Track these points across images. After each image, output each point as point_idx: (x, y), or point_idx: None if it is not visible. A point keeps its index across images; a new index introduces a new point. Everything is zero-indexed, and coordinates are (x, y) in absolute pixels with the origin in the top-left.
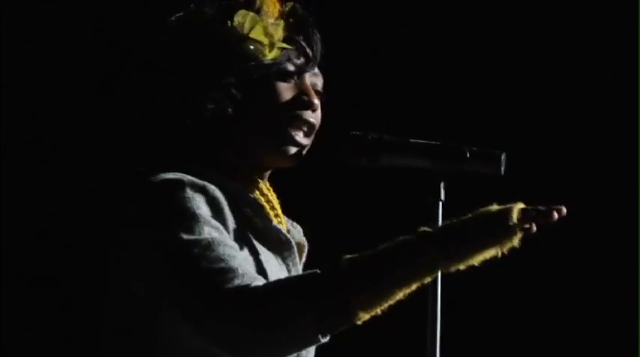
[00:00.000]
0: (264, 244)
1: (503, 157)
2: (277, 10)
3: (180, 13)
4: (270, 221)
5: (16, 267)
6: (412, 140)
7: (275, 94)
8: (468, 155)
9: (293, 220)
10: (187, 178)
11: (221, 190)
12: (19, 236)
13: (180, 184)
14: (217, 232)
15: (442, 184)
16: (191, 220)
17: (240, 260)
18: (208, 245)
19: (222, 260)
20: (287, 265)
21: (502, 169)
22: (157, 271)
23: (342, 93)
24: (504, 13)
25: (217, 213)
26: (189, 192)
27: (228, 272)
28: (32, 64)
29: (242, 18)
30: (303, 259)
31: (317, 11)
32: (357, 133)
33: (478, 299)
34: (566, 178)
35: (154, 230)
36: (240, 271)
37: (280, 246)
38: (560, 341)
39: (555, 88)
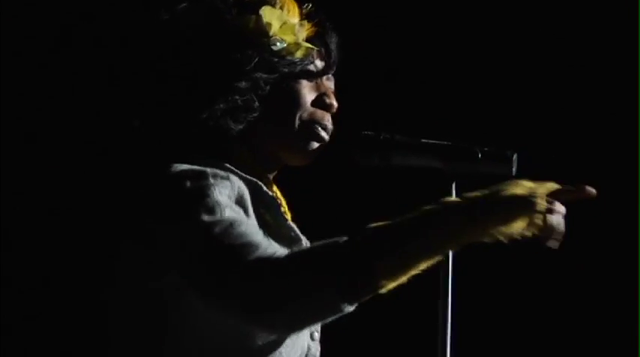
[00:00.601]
0: (276, 239)
1: (514, 157)
2: (297, 10)
3: (203, 5)
4: (285, 219)
5: (15, 266)
6: (424, 140)
7: (299, 92)
8: (480, 156)
9: (305, 219)
10: (210, 169)
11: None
12: (19, 233)
13: (203, 174)
14: (239, 216)
15: (454, 185)
16: (213, 204)
17: (263, 236)
18: (230, 225)
19: (245, 236)
20: None
21: (514, 169)
22: (182, 254)
23: (354, 93)
24: (512, 12)
25: (240, 202)
26: (212, 180)
27: (251, 246)
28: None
29: (269, 15)
30: None
31: (328, 10)
32: (369, 132)
33: (482, 299)
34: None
35: (176, 217)
36: (263, 245)
37: (290, 244)
38: (561, 341)
39: (562, 89)
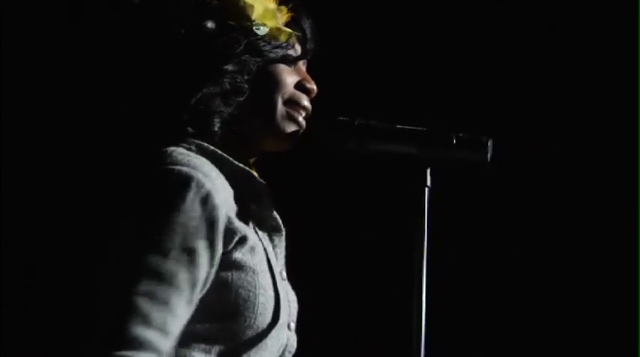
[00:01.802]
0: (260, 228)
1: (489, 143)
2: None
3: None
4: (270, 208)
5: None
6: (399, 126)
7: (281, 77)
8: (455, 141)
9: (282, 205)
10: (199, 176)
11: (226, 170)
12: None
13: (186, 186)
14: (183, 262)
15: (428, 170)
16: (167, 237)
17: (171, 309)
18: (158, 277)
19: (152, 302)
20: (276, 253)
21: (488, 155)
22: (107, 267)
23: (329, 79)
24: (499, 4)
25: (209, 227)
26: (189, 200)
27: (144, 319)
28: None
29: (253, 0)
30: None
31: None
32: (344, 118)
33: (474, 301)
34: (555, 164)
35: (131, 230)
36: (144, 340)
37: (272, 232)
38: (560, 341)
39: (546, 79)
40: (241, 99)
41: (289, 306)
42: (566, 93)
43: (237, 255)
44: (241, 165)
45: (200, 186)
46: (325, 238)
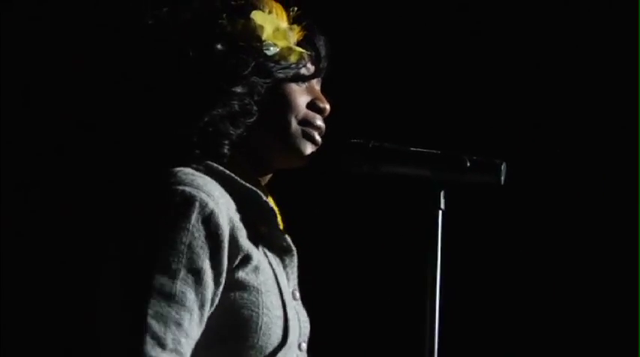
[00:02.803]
0: (267, 250)
1: (503, 166)
2: (285, 14)
3: (191, 11)
4: (279, 229)
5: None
6: (413, 149)
7: (293, 96)
8: (469, 164)
9: (291, 225)
10: (202, 196)
11: (232, 189)
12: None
13: (190, 206)
14: (191, 283)
15: (442, 193)
16: (174, 258)
17: (184, 330)
18: (168, 297)
19: (165, 324)
20: (287, 273)
21: (502, 178)
22: (112, 288)
23: (343, 100)
24: (504, 18)
25: (214, 247)
26: (193, 219)
27: (158, 341)
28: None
29: (261, 19)
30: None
31: (314, 13)
32: (358, 140)
33: (477, 300)
34: (566, 186)
35: (136, 251)
36: (169, 347)
37: (282, 252)
38: (560, 341)
39: (555, 97)
40: (250, 121)
41: (300, 326)
42: (578, 116)
43: (241, 274)
44: (248, 185)
45: (203, 205)
46: (338, 261)
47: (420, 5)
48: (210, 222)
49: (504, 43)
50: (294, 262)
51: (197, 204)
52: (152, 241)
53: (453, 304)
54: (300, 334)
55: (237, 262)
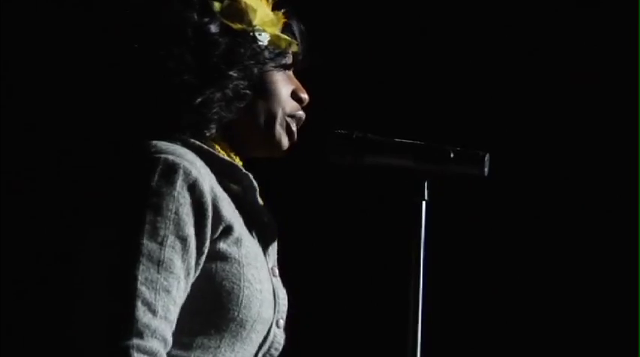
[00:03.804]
0: (249, 224)
1: (486, 158)
2: (266, 1)
3: None
4: (258, 202)
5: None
6: (397, 140)
7: (279, 86)
8: (452, 155)
9: (278, 216)
10: (185, 163)
11: (212, 163)
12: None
13: (174, 173)
14: (178, 250)
15: (426, 184)
16: (161, 224)
17: (172, 297)
18: (157, 263)
19: (155, 290)
20: (267, 248)
21: (486, 170)
22: (101, 254)
23: (327, 91)
24: (495, 9)
25: (198, 214)
26: (179, 186)
27: (149, 307)
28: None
29: (252, 3)
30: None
31: (297, 6)
32: (342, 131)
33: (462, 290)
34: (551, 177)
35: (123, 218)
36: (152, 328)
37: (263, 227)
38: (560, 341)
39: (542, 87)
40: (241, 106)
41: (278, 303)
42: (563, 106)
43: (222, 245)
44: (227, 158)
45: (187, 172)
46: (322, 251)
47: None
48: (194, 189)
49: (491, 32)
50: (274, 238)
51: (181, 171)
52: (139, 208)
53: (437, 294)
54: (278, 311)
55: (218, 232)
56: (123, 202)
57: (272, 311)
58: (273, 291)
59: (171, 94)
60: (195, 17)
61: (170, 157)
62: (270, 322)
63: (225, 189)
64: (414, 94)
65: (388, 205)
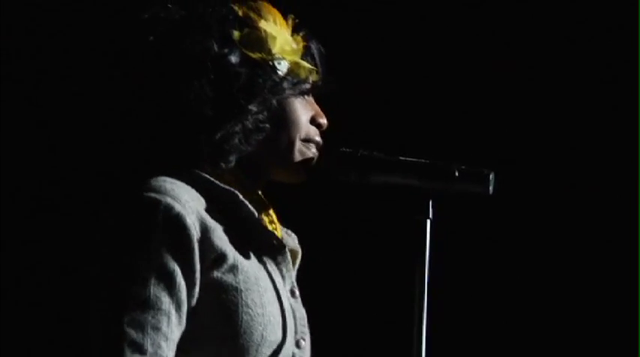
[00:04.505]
0: (254, 249)
1: (491, 176)
2: (285, 23)
3: (199, 23)
4: (263, 226)
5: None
6: (402, 158)
7: (298, 114)
8: (457, 174)
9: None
10: (167, 200)
11: (211, 192)
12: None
13: (154, 211)
14: (163, 287)
15: (431, 203)
16: (143, 263)
17: (162, 333)
18: (142, 303)
19: (143, 330)
20: (280, 271)
21: (491, 188)
22: (90, 298)
23: (332, 109)
24: (495, 22)
25: (182, 248)
26: (159, 223)
27: (137, 347)
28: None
29: (271, 30)
30: (297, 265)
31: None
32: (347, 149)
33: (466, 308)
34: (555, 196)
35: (106, 260)
36: (149, 351)
37: (273, 251)
38: (560, 342)
39: (546, 106)
40: (260, 138)
41: (296, 324)
42: (568, 127)
43: (216, 274)
44: (226, 187)
45: (169, 209)
46: (327, 270)
47: (408, 11)
48: (176, 224)
49: (497, 52)
50: (287, 259)
51: (161, 208)
52: (120, 249)
53: (441, 312)
54: (296, 332)
55: (209, 262)
56: (106, 243)
57: (280, 333)
58: (284, 313)
59: (191, 128)
60: (216, 48)
61: (152, 195)
62: (279, 344)
63: (225, 216)
64: (419, 112)
65: (392, 224)
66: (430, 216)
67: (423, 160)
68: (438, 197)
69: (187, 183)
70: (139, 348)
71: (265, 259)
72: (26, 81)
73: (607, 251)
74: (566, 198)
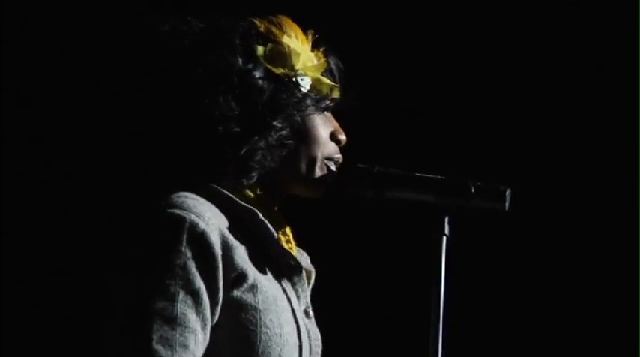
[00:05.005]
0: (271, 269)
1: (508, 193)
2: (305, 38)
3: (221, 29)
4: (281, 245)
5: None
6: (418, 174)
7: (319, 131)
8: (473, 190)
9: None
10: (191, 217)
11: (231, 210)
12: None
13: (180, 228)
14: (190, 304)
15: (446, 219)
16: (171, 281)
17: (190, 351)
18: (170, 320)
19: (172, 347)
20: (296, 291)
21: (507, 205)
22: (115, 315)
23: (349, 124)
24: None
25: (207, 266)
26: (185, 240)
27: None
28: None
29: (295, 46)
30: (311, 284)
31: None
32: (363, 165)
33: (481, 324)
34: (569, 213)
35: (132, 277)
36: None
37: (289, 271)
38: (560, 342)
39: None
40: (283, 154)
41: (311, 344)
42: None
43: (236, 293)
44: (246, 205)
45: (194, 226)
46: (343, 287)
47: (422, 22)
48: (201, 242)
49: (509, 69)
50: (302, 280)
51: (187, 225)
52: (147, 266)
53: (457, 329)
54: (310, 352)
55: (230, 281)
56: (132, 260)
57: (297, 354)
58: (300, 333)
59: (216, 144)
60: (240, 63)
61: (177, 212)
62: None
63: (244, 234)
64: (436, 129)
65: (408, 240)
66: (446, 232)
67: (439, 177)
68: (454, 214)
69: (207, 199)
70: None
71: (282, 278)
72: (47, 93)
73: (607, 251)
74: (575, 209)
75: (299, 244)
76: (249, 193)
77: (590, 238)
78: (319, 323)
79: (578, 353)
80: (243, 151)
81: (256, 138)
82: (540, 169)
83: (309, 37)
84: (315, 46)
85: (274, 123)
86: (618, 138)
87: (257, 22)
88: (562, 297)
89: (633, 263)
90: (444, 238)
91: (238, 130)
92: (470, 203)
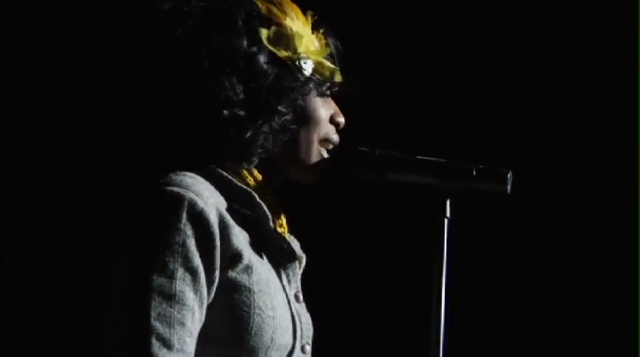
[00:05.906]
0: (265, 252)
1: (509, 175)
2: (305, 19)
3: (224, 10)
4: (273, 229)
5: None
6: (419, 157)
7: (318, 113)
8: (475, 173)
9: (299, 233)
10: (190, 195)
11: (228, 191)
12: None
13: (179, 206)
14: (189, 282)
15: (448, 202)
16: (170, 258)
17: (187, 329)
18: (169, 298)
19: (169, 324)
20: (287, 275)
21: (508, 187)
22: (113, 292)
23: (350, 107)
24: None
25: (205, 245)
26: (184, 218)
27: (164, 342)
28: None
29: (297, 29)
30: (302, 270)
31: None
32: (365, 148)
33: (483, 307)
34: (571, 195)
35: (132, 254)
36: (175, 347)
37: (282, 255)
38: (561, 342)
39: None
40: (285, 138)
41: (301, 328)
42: (583, 127)
43: (231, 274)
44: (243, 186)
45: (192, 204)
46: (344, 269)
47: (424, 11)
48: (201, 220)
49: (510, 52)
50: (294, 264)
51: (186, 203)
52: (147, 243)
53: (459, 311)
54: (301, 336)
55: (226, 261)
56: (131, 238)
57: (290, 337)
58: (292, 317)
59: (220, 127)
60: (245, 46)
61: (175, 190)
62: (288, 349)
63: (241, 216)
64: (437, 111)
65: (410, 223)
66: (448, 215)
67: (441, 159)
68: (456, 196)
69: (206, 179)
70: (167, 343)
71: (275, 262)
72: (48, 78)
73: (607, 252)
74: (577, 197)
75: (299, 230)
76: (248, 176)
77: (592, 228)
78: (319, 309)
79: (579, 353)
80: (248, 135)
81: (261, 122)
82: (543, 153)
83: (309, 18)
84: (314, 28)
85: (279, 107)
86: (620, 126)
87: (258, 3)
88: (563, 288)
89: (633, 259)
90: (446, 220)
91: (243, 113)
92: (472, 186)
